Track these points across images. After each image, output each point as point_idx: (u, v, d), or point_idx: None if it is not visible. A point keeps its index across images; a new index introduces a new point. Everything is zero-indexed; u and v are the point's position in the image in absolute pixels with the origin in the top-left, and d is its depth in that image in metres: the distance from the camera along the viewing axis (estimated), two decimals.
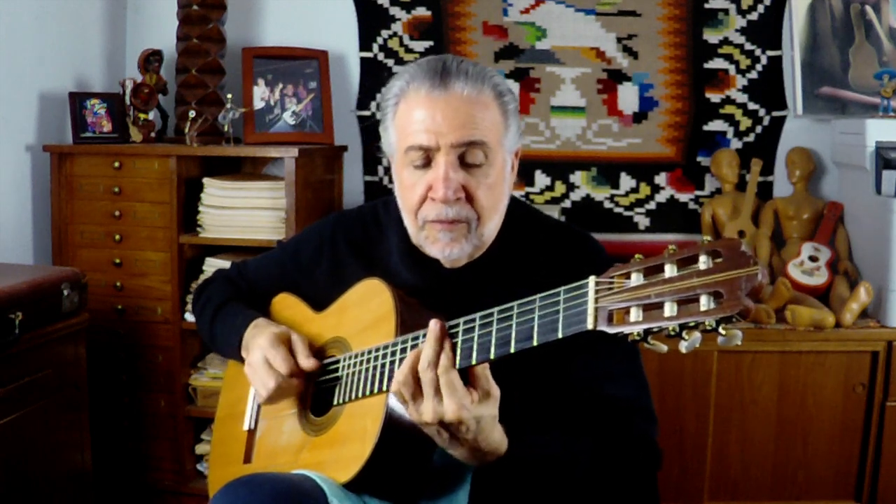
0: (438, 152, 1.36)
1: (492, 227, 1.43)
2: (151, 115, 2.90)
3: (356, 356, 1.42)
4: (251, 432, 1.63)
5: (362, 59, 3.13)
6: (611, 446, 1.35)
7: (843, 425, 2.63)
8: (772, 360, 2.61)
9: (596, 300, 1.05)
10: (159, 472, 2.81)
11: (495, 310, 1.19)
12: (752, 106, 3.06)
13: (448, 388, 1.17)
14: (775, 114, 3.06)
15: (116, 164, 2.70)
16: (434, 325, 1.21)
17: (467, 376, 1.21)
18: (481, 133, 1.37)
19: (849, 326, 2.58)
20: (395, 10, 3.10)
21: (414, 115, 1.38)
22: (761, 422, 2.64)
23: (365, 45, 3.12)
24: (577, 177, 3.12)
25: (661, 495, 1.49)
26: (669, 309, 0.96)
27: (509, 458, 1.26)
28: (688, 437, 2.65)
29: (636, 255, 1.03)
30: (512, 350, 1.15)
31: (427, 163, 1.38)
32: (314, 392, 1.53)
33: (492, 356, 1.17)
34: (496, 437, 1.23)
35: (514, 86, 3.08)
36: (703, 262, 0.96)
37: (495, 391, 1.21)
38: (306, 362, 1.48)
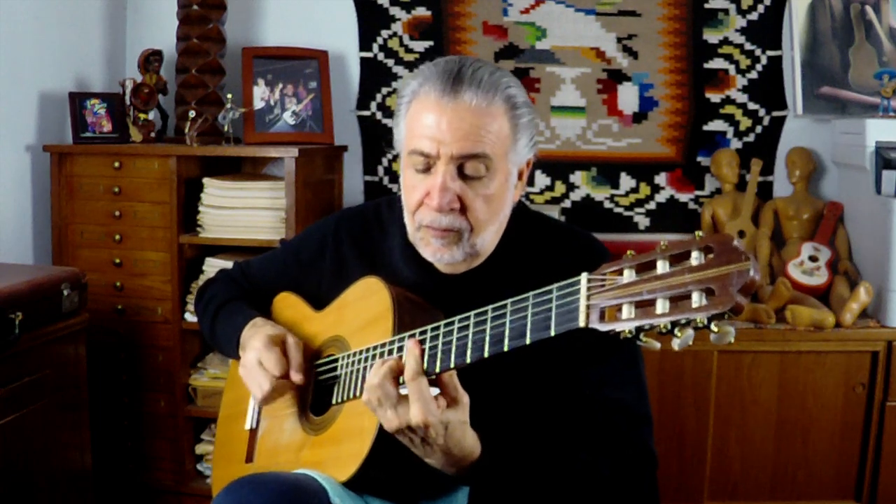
0: (439, 160, 1.35)
1: (487, 237, 1.42)
2: (151, 115, 2.90)
3: (354, 355, 1.43)
4: (253, 431, 1.63)
5: (362, 59, 3.13)
6: (604, 450, 1.35)
7: (843, 425, 2.62)
8: (772, 360, 2.61)
9: (588, 297, 1.04)
10: (159, 472, 2.81)
11: (489, 308, 1.19)
12: (752, 106, 3.06)
13: (415, 394, 1.20)
14: (775, 114, 3.05)
15: (116, 164, 2.70)
16: (409, 342, 1.25)
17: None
18: (484, 146, 1.35)
19: (849, 326, 2.58)
20: (395, 10, 3.10)
21: (421, 119, 1.37)
22: (761, 422, 2.63)
23: (365, 45, 3.12)
24: (577, 177, 3.12)
25: (661, 495, 1.49)
26: (661, 306, 0.96)
27: (485, 464, 1.27)
28: (688, 437, 2.64)
29: (628, 252, 1.03)
30: (506, 348, 1.15)
31: (428, 168, 1.37)
32: (314, 391, 1.53)
33: (486, 354, 1.17)
34: (468, 443, 1.25)
35: None
36: (695, 258, 0.95)
37: (463, 398, 1.23)
38: (296, 377, 1.48)
